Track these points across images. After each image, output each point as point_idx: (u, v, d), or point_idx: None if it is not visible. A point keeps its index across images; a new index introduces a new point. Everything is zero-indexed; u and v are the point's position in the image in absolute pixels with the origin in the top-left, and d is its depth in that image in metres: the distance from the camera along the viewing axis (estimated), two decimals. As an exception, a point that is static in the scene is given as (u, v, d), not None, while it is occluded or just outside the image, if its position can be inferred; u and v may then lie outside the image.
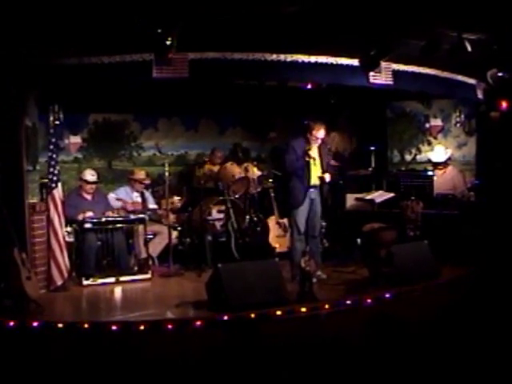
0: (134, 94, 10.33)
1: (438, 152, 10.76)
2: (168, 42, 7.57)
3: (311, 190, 8.67)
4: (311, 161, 8.62)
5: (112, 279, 8.87)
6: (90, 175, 9.44)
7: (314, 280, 7.94)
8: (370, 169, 11.22)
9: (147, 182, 10.28)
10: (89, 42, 7.64)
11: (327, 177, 8.74)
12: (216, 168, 10.94)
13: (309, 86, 11.07)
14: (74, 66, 7.97)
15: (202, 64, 8.34)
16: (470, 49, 8.40)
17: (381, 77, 9.24)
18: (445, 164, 10.55)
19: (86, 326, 6.53)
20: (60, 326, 6.54)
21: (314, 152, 8.67)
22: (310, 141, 8.64)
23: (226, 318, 6.69)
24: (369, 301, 7.34)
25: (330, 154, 9.32)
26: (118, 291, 8.64)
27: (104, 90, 9.71)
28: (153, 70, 8.08)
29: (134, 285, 8.88)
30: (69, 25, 7.27)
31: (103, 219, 9.09)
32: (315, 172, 8.68)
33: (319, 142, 8.69)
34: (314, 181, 8.69)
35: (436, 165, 10.58)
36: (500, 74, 9.59)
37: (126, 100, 10.82)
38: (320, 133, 8.64)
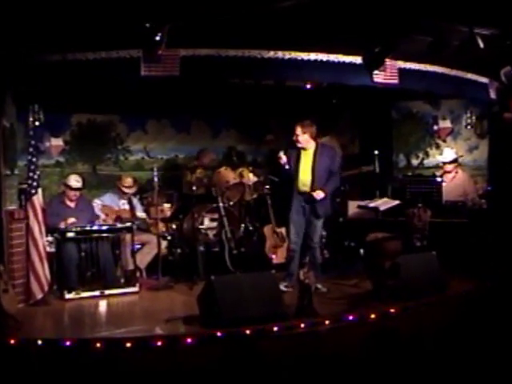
0: (120, 93, 10.30)
1: (447, 153, 10.79)
2: (157, 38, 7.58)
3: (300, 196, 8.76)
4: (300, 167, 8.72)
5: (96, 292, 8.84)
6: (74, 181, 9.42)
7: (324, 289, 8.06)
8: (372, 167, 11.17)
9: (132, 190, 10.24)
10: (72, 36, 7.62)
11: (317, 195, 8.66)
12: (207, 172, 10.95)
13: (308, 86, 11.08)
14: (56, 63, 7.96)
15: (194, 61, 8.35)
16: (482, 45, 8.41)
17: (385, 75, 9.27)
18: (454, 164, 10.52)
19: (67, 343, 6.51)
20: (39, 342, 6.51)
21: (305, 157, 8.76)
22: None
23: (219, 334, 6.67)
24: (372, 316, 7.33)
25: (335, 162, 9.09)
26: (102, 305, 8.62)
27: (88, 88, 9.68)
28: (141, 67, 8.08)
29: (121, 298, 8.86)
30: (51, 18, 7.26)
31: (87, 228, 9.07)
32: (304, 179, 8.76)
33: (300, 141, 8.71)
34: (303, 188, 8.77)
35: (444, 164, 10.56)
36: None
37: (112, 100, 10.79)
38: (295, 129, 8.70)
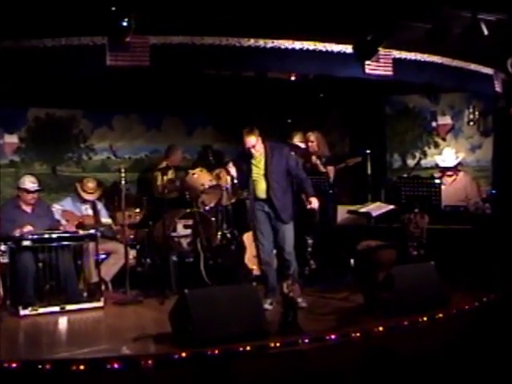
0: (83, 85, 10.28)
1: (447, 155, 10.78)
2: (125, 23, 7.55)
3: (262, 203, 8.70)
4: (253, 175, 8.69)
5: (56, 308, 8.76)
6: (29, 183, 9.35)
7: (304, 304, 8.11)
8: (359, 158, 11.13)
9: (95, 196, 10.19)
10: (28, 20, 7.57)
11: (314, 204, 8.66)
12: (180, 173, 10.92)
13: (293, 78, 11.07)
14: (10, 50, 7.89)
15: (166, 50, 8.34)
16: (486, 32, 8.43)
17: (379, 66, 9.29)
18: (455, 170, 10.56)
19: (21, 365, 6.44)
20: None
21: (257, 163, 8.70)
22: (248, 152, 8.73)
23: (193, 354, 6.64)
24: (364, 333, 7.32)
25: (289, 160, 8.91)
26: (62, 323, 8.54)
27: (47, 79, 9.63)
28: (106, 56, 8.05)
29: (83, 315, 8.79)
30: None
31: (46, 236, 9.00)
32: (260, 187, 8.70)
33: (258, 149, 8.63)
34: (262, 195, 8.71)
35: (444, 170, 10.58)
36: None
37: (73, 92, 10.76)
38: (247, 141, 8.59)
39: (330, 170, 10.88)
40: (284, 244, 8.70)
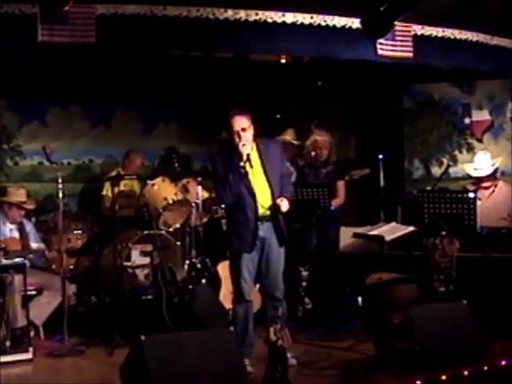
0: (8, 67, 10.28)
1: (480, 161, 10.74)
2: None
3: (260, 224, 8.21)
4: (251, 181, 8.10)
5: (-30, 361, 8.76)
6: None
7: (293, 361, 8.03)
8: (367, 170, 11.11)
9: (29, 206, 10.18)
10: None
11: (283, 204, 8.14)
12: (136, 184, 10.92)
13: (283, 61, 11.11)
14: None
15: (117, 23, 8.35)
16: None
17: (395, 46, 9.31)
18: (492, 178, 10.56)
19: None
20: None
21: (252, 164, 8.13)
22: (234, 141, 8.04)
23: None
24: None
25: (284, 159, 8.65)
26: (-21, 380, 8.54)
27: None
28: (38, 30, 8.04)
29: (6, 370, 8.71)
30: None
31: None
32: (263, 197, 8.19)
33: (249, 139, 8.05)
34: (264, 211, 8.22)
35: (478, 181, 10.58)
36: None
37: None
38: (237, 121, 7.97)
39: (341, 185, 10.90)
40: (277, 279, 8.42)
